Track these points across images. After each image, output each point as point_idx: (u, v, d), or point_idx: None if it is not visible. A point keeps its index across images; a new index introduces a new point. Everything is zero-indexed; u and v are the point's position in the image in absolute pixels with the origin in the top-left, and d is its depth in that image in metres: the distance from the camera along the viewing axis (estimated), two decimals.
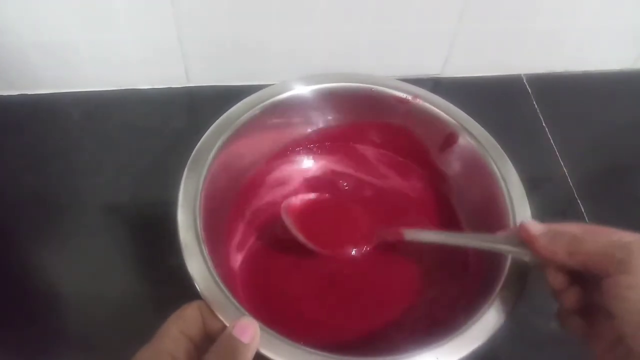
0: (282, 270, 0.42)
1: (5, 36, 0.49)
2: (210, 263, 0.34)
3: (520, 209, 0.38)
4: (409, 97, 0.44)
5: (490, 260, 0.38)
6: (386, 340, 0.39)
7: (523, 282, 0.35)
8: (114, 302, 0.42)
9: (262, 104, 0.43)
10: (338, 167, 0.48)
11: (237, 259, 0.42)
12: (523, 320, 0.41)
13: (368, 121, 0.47)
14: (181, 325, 0.29)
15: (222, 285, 0.33)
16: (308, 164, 0.48)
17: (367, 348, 0.39)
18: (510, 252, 0.35)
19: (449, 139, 0.44)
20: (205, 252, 0.34)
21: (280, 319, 0.39)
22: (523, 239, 0.32)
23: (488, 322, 0.33)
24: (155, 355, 0.28)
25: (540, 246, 0.31)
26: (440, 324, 0.38)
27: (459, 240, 0.39)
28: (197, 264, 0.34)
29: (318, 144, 0.48)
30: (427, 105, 0.44)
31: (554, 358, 0.42)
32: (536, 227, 0.32)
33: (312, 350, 0.31)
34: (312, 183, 0.47)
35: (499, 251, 0.35)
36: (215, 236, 0.38)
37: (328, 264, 0.42)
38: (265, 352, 0.30)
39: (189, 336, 0.29)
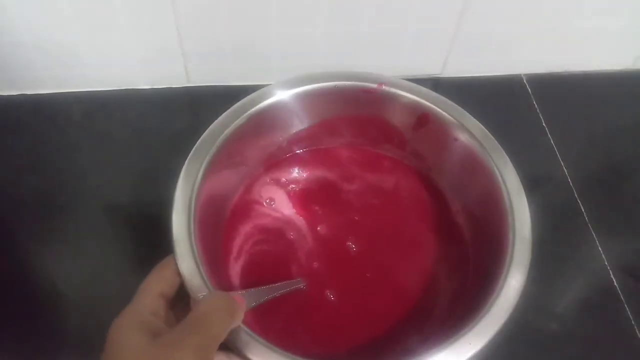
0: (279, 268, 0.42)
1: (5, 36, 0.49)
2: (200, 262, 0.34)
3: (520, 209, 0.38)
4: (375, 86, 0.44)
5: (490, 260, 0.38)
6: (384, 342, 0.39)
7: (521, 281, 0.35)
8: (113, 302, 0.42)
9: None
10: (322, 173, 0.48)
11: (233, 261, 0.42)
12: (523, 320, 0.41)
13: (338, 117, 0.47)
14: (162, 286, 0.32)
15: (209, 285, 0.33)
16: (293, 175, 0.48)
17: (366, 350, 0.39)
18: None
19: (421, 119, 0.44)
20: (197, 252, 0.34)
21: (277, 318, 0.39)
22: None
23: (487, 324, 0.33)
24: (139, 314, 0.30)
25: None
26: (438, 326, 0.38)
27: None
28: (187, 263, 0.34)
29: (301, 149, 0.48)
30: (394, 90, 0.44)
31: (554, 358, 0.42)
32: None
33: (302, 358, 0.31)
34: (311, 198, 0.46)
35: None
36: (211, 237, 0.39)
37: (326, 265, 0.42)
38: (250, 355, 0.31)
39: (167, 296, 0.32)
